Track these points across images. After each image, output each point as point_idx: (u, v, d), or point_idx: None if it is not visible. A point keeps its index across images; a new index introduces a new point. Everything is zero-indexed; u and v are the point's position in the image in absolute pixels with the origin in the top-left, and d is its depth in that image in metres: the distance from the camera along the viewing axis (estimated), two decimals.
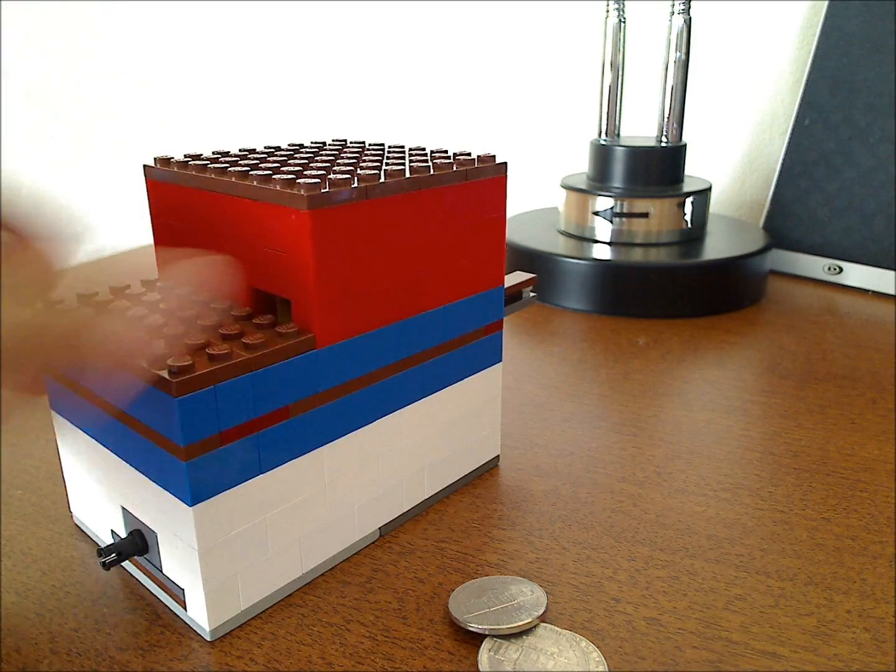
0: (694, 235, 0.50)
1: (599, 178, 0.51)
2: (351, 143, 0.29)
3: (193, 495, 0.19)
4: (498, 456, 0.29)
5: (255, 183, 0.21)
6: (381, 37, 0.71)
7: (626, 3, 0.49)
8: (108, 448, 0.22)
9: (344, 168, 0.23)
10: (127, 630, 0.21)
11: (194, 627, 0.21)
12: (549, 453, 0.30)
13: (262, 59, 0.77)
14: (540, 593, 0.22)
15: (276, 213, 0.21)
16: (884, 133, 0.49)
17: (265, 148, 0.27)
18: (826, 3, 0.52)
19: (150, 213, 0.25)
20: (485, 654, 0.20)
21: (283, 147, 0.27)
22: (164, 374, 0.18)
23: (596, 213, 0.49)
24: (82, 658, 0.20)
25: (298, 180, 0.20)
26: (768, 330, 0.44)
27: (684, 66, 0.48)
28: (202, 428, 0.19)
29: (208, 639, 0.21)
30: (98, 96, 0.85)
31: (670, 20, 0.47)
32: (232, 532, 0.20)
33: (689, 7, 0.47)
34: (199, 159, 0.24)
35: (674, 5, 0.47)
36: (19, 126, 0.90)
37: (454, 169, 0.24)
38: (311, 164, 0.23)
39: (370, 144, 0.28)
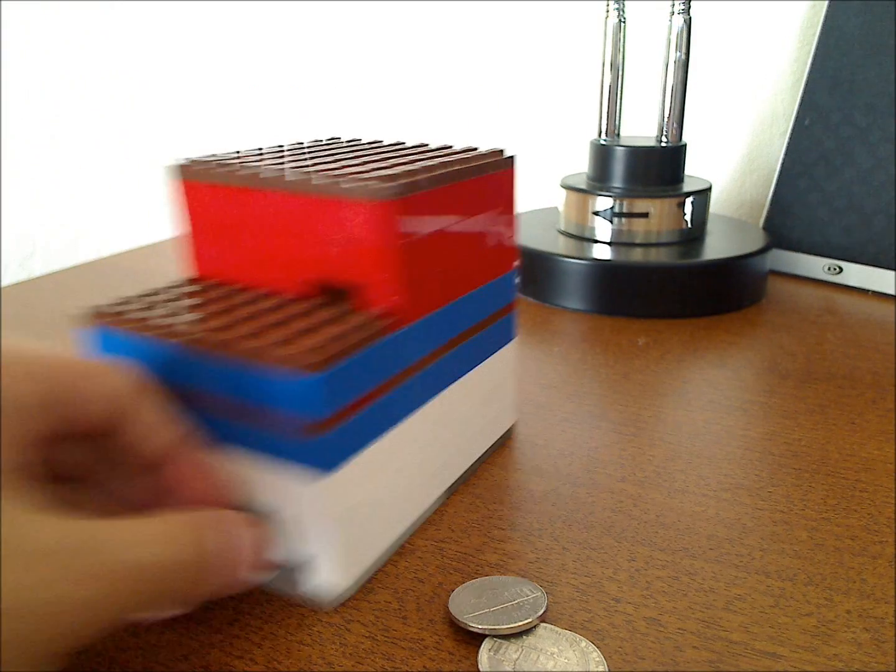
0: (694, 235, 0.50)
1: (599, 178, 0.51)
2: (371, 141, 0.30)
3: (325, 467, 0.21)
4: (516, 422, 0.33)
5: (328, 180, 0.22)
6: (381, 37, 0.71)
7: (625, 3, 0.49)
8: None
9: (401, 162, 0.25)
10: (128, 629, 0.21)
11: (313, 599, 0.22)
12: (549, 453, 0.30)
13: (261, 59, 0.77)
14: (540, 593, 0.22)
15: (352, 207, 0.22)
16: (884, 133, 0.49)
17: (292, 146, 0.28)
18: (826, 3, 0.52)
19: (186, 215, 0.25)
20: (485, 654, 0.20)
21: (309, 144, 0.28)
22: (302, 356, 0.20)
23: (596, 213, 0.49)
24: (82, 658, 0.20)
25: (375, 174, 0.22)
26: (768, 330, 0.44)
27: (684, 66, 0.48)
28: (333, 404, 0.20)
29: (332, 606, 0.22)
30: (98, 96, 0.85)
31: (670, 20, 0.47)
32: (350, 501, 0.22)
33: (689, 7, 0.47)
34: (236, 159, 0.25)
35: (674, 5, 0.47)
36: (19, 126, 0.90)
37: (484, 162, 0.26)
38: (365, 160, 0.25)
39: (398, 143, 0.29)
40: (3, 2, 0.85)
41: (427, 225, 0.24)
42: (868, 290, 0.50)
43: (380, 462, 0.23)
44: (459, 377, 0.27)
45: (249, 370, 0.20)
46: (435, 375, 0.26)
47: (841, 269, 0.51)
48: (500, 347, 0.30)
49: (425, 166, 0.23)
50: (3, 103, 0.89)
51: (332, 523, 0.21)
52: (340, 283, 0.24)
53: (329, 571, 0.22)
